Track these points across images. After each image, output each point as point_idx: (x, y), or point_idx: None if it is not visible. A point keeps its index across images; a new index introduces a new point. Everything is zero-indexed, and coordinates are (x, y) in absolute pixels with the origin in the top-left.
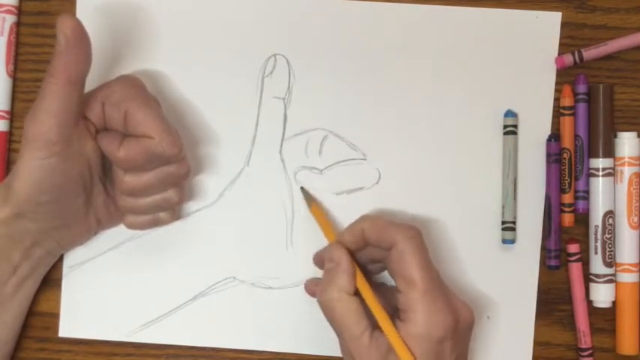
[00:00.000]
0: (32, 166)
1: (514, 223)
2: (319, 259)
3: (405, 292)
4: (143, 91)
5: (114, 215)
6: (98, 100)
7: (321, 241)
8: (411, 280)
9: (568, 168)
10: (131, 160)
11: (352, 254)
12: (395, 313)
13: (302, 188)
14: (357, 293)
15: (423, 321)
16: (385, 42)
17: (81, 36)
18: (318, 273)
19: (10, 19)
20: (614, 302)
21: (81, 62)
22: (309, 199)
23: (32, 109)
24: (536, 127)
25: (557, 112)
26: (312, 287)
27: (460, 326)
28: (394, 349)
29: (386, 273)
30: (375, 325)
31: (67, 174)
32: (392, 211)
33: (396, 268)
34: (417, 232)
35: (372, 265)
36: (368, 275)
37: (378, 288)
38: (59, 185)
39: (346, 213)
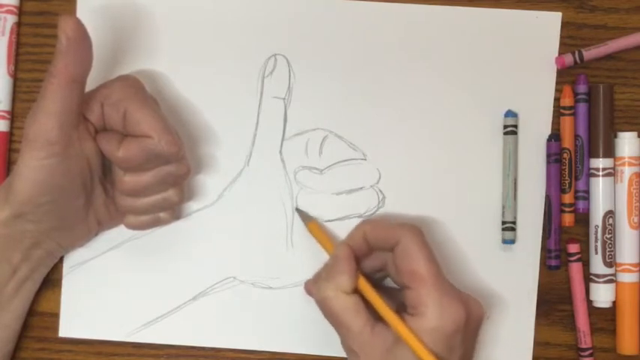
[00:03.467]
0: (32, 166)
1: (514, 223)
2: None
3: (414, 288)
4: (142, 90)
5: (114, 216)
6: (97, 100)
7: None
8: (419, 274)
9: (568, 168)
10: (130, 159)
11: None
12: (400, 311)
13: (297, 209)
14: (355, 293)
15: (435, 314)
16: (385, 42)
17: (82, 36)
18: None
19: (11, 19)
20: (614, 302)
21: (82, 62)
22: (306, 218)
23: (32, 109)
24: (536, 127)
25: (558, 112)
26: (312, 287)
27: (471, 320)
28: (403, 340)
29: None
30: (376, 320)
31: (67, 175)
32: (390, 213)
33: (403, 265)
34: (419, 229)
35: (374, 275)
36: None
37: (379, 289)
38: (59, 186)
39: (346, 213)
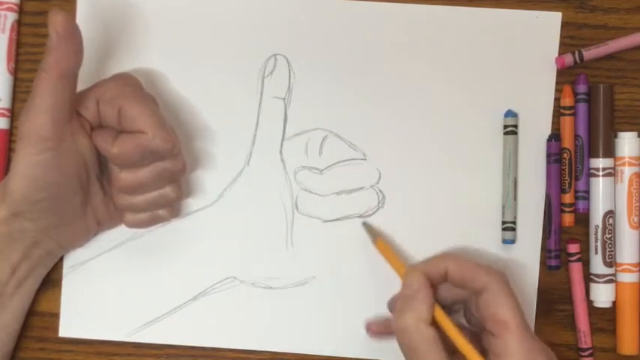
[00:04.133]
0: (26, 163)
1: (514, 223)
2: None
3: (499, 336)
4: (138, 88)
5: (113, 215)
6: (93, 97)
7: (321, 242)
8: (506, 323)
9: (568, 168)
10: (125, 156)
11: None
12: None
13: (364, 223)
14: (433, 325)
15: None
16: (385, 42)
17: (71, 31)
18: (318, 273)
19: (12, 16)
20: (614, 302)
21: (72, 57)
22: (374, 233)
23: (25, 106)
24: (536, 127)
25: (558, 112)
26: (375, 328)
27: None
28: None
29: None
30: (452, 353)
31: (62, 171)
32: (390, 212)
33: (490, 311)
34: (506, 276)
35: (448, 305)
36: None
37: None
38: (54, 182)
39: (346, 213)
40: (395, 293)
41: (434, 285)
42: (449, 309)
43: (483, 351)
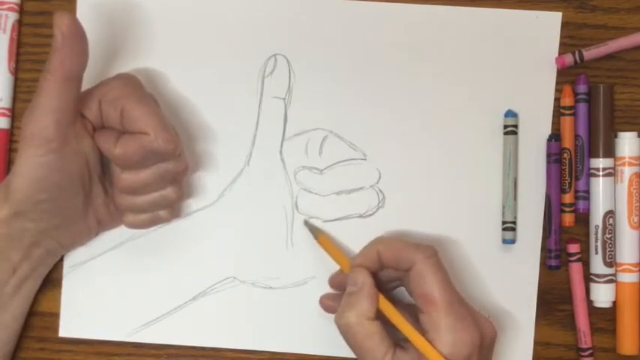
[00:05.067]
0: (30, 164)
1: (514, 223)
2: (335, 282)
3: (427, 312)
4: (140, 88)
5: (114, 216)
6: (95, 98)
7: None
8: (432, 300)
9: (568, 168)
10: (128, 156)
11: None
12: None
13: (305, 222)
14: (377, 316)
15: (449, 340)
16: (385, 42)
17: (77, 33)
18: (318, 273)
19: (13, 16)
20: (614, 302)
21: (77, 59)
22: (315, 231)
23: (29, 107)
24: (536, 127)
25: (558, 112)
26: (328, 302)
27: (484, 343)
28: None
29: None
30: (395, 345)
31: (65, 172)
32: (391, 212)
33: (417, 289)
34: (434, 252)
35: (389, 284)
36: (385, 293)
37: (399, 305)
38: (57, 184)
39: (346, 213)
40: (334, 271)
41: (374, 273)
42: (390, 287)
43: None
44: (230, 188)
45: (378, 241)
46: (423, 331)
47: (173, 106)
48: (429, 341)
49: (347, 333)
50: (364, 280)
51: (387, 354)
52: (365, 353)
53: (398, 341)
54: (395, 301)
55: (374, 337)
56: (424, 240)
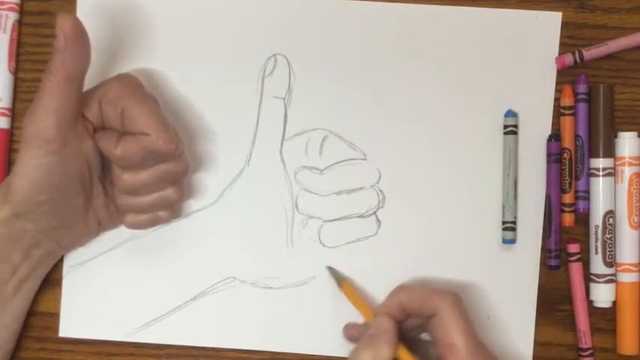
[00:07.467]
0: (31, 165)
1: (514, 223)
2: (354, 332)
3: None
4: (140, 89)
5: (114, 216)
6: (95, 98)
7: (322, 244)
8: (455, 347)
9: (568, 168)
10: (128, 157)
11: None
12: None
13: (329, 268)
14: None
15: None
16: (385, 42)
17: (80, 34)
18: (318, 273)
19: (13, 16)
20: (614, 302)
21: (79, 60)
22: (340, 278)
23: (30, 107)
24: (536, 127)
25: (558, 112)
26: (352, 332)
27: None
28: None
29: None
30: None
31: (66, 173)
32: (393, 211)
33: (441, 337)
34: (458, 298)
35: (410, 332)
36: (406, 342)
37: (417, 346)
38: (58, 185)
39: (347, 213)
40: (349, 321)
41: (399, 323)
42: (411, 336)
43: None
44: (230, 188)
45: (401, 289)
46: None
47: (173, 106)
48: None
49: None
50: (388, 326)
51: None
52: None
53: None
54: (414, 352)
55: None
56: (424, 241)
